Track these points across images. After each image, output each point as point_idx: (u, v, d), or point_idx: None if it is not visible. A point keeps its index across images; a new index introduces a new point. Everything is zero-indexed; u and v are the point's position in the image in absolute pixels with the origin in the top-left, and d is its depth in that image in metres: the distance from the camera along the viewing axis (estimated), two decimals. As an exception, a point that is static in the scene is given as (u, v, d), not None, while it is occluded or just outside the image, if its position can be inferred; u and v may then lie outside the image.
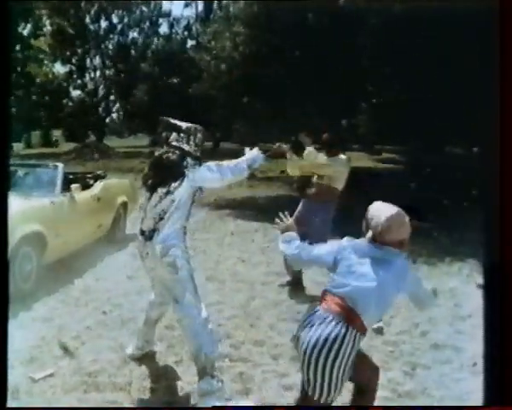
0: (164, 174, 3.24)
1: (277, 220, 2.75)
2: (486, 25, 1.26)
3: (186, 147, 3.26)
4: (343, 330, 2.30)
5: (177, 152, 3.24)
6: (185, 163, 3.23)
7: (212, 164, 3.32)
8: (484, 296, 1.38)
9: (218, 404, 3.00)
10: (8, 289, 1.47)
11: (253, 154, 3.48)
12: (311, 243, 5.08)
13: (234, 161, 3.37)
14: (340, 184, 5.10)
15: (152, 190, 3.26)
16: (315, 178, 5.14)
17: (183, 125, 3.33)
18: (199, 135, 3.34)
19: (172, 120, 3.37)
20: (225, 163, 3.35)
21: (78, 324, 4.25)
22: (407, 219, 2.40)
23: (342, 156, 5.14)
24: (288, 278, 5.37)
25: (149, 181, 3.30)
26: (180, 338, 3.96)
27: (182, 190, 3.20)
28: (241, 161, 3.40)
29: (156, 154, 3.34)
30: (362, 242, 2.47)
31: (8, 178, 1.26)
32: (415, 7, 8.02)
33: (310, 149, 4.95)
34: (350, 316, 2.32)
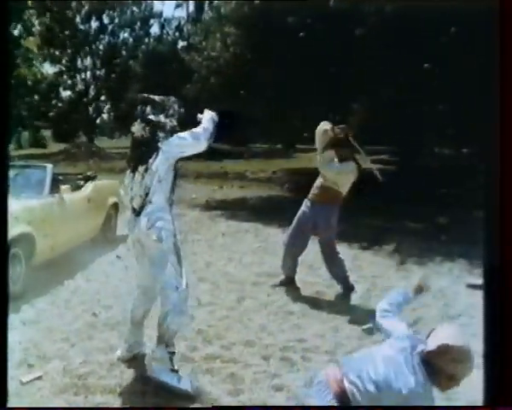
0: (140, 153, 3.40)
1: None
2: (486, 25, 1.25)
3: (162, 118, 3.41)
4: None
5: (147, 128, 3.37)
6: (157, 137, 3.36)
7: (182, 133, 3.42)
8: (484, 296, 1.38)
9: (164, 374, 3.24)
10: (8, 287, 1.46)
11: (210, 115, 3.58)
12: (324, 247, 5.15)
13: (201, 126, 3.49)
14: (345, 189, 5.10)
15: (134, 169, 3.40)
16: (321, 181, 5.14)
17: (157, 97, 3.49)
18: (174, 106, 3.50)
19: (147, 95, 3.54)
20: (196, 129, 3.46)
21: (68, 325, 4.21)
22: (469, 357, 2.10)
23: (352, 163, 5.09)
24: (280, 278, 5.37)
25: (131, 162, 3.46)
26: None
27: (158, 163, 3.32)
28: (208, 124, 3.50)
29: (132, 129, 3.46)
30: (414, 348, 2.27)
31: (7, 178, 1.24)
32: (411, 6, 8.03)
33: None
34: (343, 398, 2.21)
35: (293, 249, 5.25)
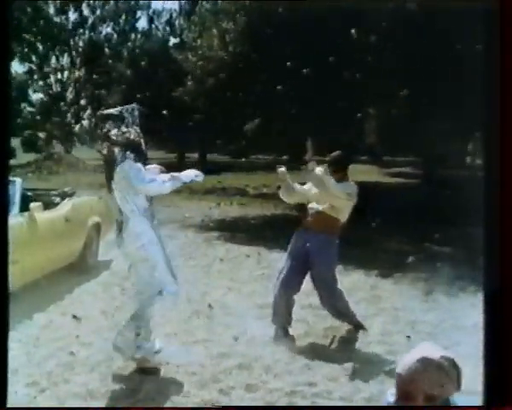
0: (106, 172, 4.09)
1: None
2: (487, 26, 1.33)
3: (124, 129, 3.96)
4: None
5: (105, 145, 3.99)
6: (114, 158, 3.95)
7: (137, 165, 3.94)
8: (484, 299, 1.48)
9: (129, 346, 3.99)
10: (8, 289, 1.54)
11: (188, 173, 4.18)
12: (318, 284, 4.95)
13: (169, 175, 4.07)
14: (345, 216, 4.91)
15: (109, 187, 4.07)
16: (317, 207, 4.92)
17: (115, 110, 4.06)
18: (134, 113, 4.05)
19: (106, 111, 4.16)
20: (160, 175, 4.08)
21: (37, 367, 4.18)
22: (439, 368, 2.04)
23: (352, 183, 4.94)
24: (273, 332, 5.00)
25: (106, 181, 4.12)
26: (154, 387, 3.93)
27: (118, 183, 3.96)
28: (171, 176, 4.06)
29: (99, 149, 4.23)
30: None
31: (7, 189, 1.35)
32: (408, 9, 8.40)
33: (317, 170, 4.75)
34: None
35: (288, 292, 4.93)
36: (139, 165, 3.98)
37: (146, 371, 4.11)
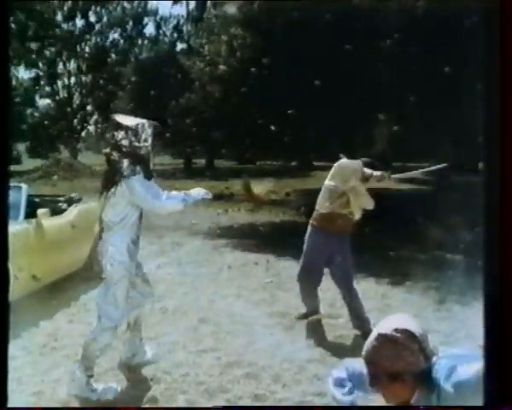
0: (105, 178, 3.99)
1: None
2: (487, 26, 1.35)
3: (136, 144, 3.86)
4: None
5: (114, 153, 3.86)
6: (121, 170, 3.84)
7: (149, 182, 3.89)
8: (484, 297, 1.53)
9: (83, 392, 3.79)
10: (9, 288, 1.57)
11: (198, 191, 4.08)
12: (339, 281, 5.24)
13: (177, 193, 4.02)
14: (359, 215, 5.24)
15: (101, 192, 3.99)
16: (332, 208, 5.16)
17: (131, 122, 3.93)
18: (148, 130, 3.94)
19: (121, 119, 3.98)
20: (167, 192, 3.97)
21: (43, 375, 4.20)
22: (393, 343, 1.98)
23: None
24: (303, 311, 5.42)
25: (102, 184, 4.04)
26: (159, 395, 3.93)
27: (118, 198, 3.86)
28: (183, 194, 4.01)
29: (104, 152, 4.05)
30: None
31: (8, 189, 1.37)
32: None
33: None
34: None
35: (310, 284, 5.35)
36: (152, 182, 3.92)
37: (152, 380, 4.12)
